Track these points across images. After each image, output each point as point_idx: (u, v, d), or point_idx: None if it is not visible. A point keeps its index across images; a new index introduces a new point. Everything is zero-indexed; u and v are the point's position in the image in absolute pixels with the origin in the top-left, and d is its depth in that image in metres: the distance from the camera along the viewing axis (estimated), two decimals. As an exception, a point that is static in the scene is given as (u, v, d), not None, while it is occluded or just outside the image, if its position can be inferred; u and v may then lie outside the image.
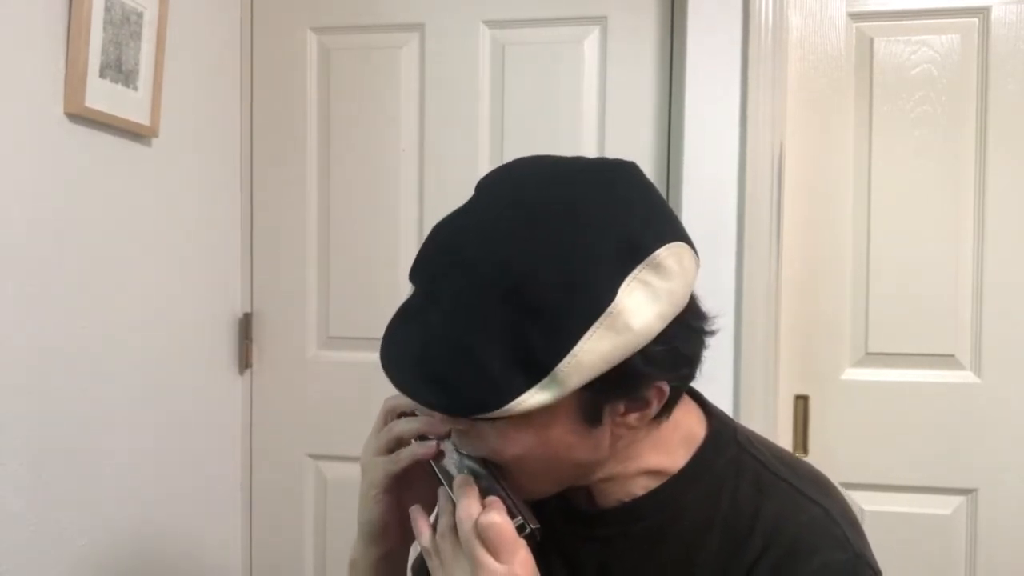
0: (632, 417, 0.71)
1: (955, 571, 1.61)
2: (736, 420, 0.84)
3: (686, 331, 0.70)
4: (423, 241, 0.74)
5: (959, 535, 1.62)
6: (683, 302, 0.69)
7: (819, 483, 0.78)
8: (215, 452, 1.77)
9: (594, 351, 0.64)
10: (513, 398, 0.64)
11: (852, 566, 0.72)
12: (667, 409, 0.73)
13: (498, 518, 0.68)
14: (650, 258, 0.66)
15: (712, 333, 0.73)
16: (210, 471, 1.75)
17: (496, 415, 0.65)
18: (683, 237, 0.70)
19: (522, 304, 0.64)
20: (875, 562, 0.74)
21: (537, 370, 0.64)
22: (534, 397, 0.64)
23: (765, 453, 0.79)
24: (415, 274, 0.73)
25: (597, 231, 0.66)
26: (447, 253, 0.70)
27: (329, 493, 1.84)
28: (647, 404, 0.70)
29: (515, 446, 0.70)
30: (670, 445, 0.77)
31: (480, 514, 0.68)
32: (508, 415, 0.65)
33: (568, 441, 0.70)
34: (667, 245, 0.67)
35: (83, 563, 1.37)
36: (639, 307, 0.65)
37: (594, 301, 0.64)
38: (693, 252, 0.70)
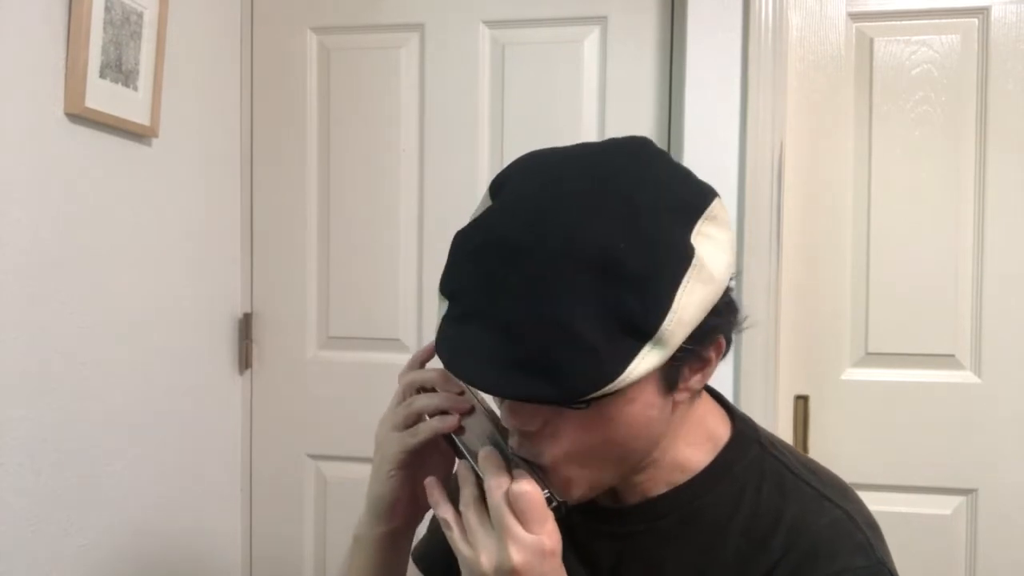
0: (695, 379, 0.71)
1: (955, 571, 1.61)
2: None
3: (731, 280, 0.71)
4: (451, 248, 0.70)
5: (959, 535, 1.62)
6: (735, 251, 0.70)
7: (840, 488, 0.78)
8: (215, 452, 1.77)
9: (691, 304, 0.63)
10: (625, 367, 0.61)
11: (873, 573, 0.71)
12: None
13: (529, 487, 0.66)
14: (707, 211, 0.67)
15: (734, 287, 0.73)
16: (210, 471, 1.75)
17: (609, 390, 0.61)
18: (714, 190, 0.71)
19: (608, 271, 0.62)
20: (896, 570, 0.74)
21: (642, 333, 0.62)
22: (645, 361, 0.62)
23: (788, 456, 0.79)
24: (453, 280, 0.68)
25: (654, 193, 0.66)
26: (500, 247, 0.65)
27: (329, 493, 1.84)
28: (709, 362, 0.71)
29: (594, 435, 0.68)
30: (698, 440, 0.77)
31: (511, 483, 0.66)
32: (619, 388, 0.62)
33: (649, 415, 0.69)
34: (715, 199, 0.69)
35: (83, 563, 1.37)
36: (713, 256, 0.65)
37: (678, 256, 0.64)
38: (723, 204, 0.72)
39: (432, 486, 0.73)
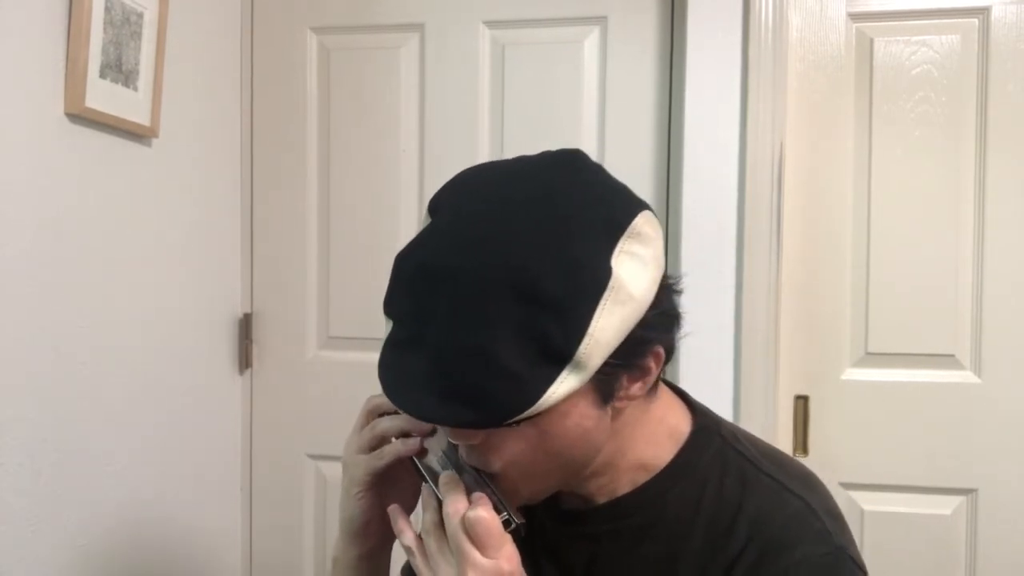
0: (636, 387, 0.72)
1: (955, 571, 1.61)
2: (736, 420, 0.84)
3: (669, 293, 0.73)
4: (392, 270, 0.73)
5: (959, 535, 1.61)
6: (663, 265, 0.71)
7: (803, 478, 0.79)
8: (215, 452, 1.77)
9: (607, 327, 0.65)
10: (543, 392, 0.64)
11: (833, 560, 0.72)
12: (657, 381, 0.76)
13: (485, 513, 0.68)
14: (630, 228, 0.68)
15: (681, 292, 0.75)
16: (210, 471, 1.75)
17: (529, 414, 0.64)
18: (646, 205, 0.72)
19: (527, 297, 0.64)
20: (859, 556, 0.75)
21: (560, 358, 0.64)
22: (563, 385, 0.64)
23: (749, 448, 0.80)
24: (393, 304, 0.72)
25: (577, 213, 0.68)
26: (430, 272, 0.68)
27: (329, 493, 1.84)
28: (648, 371, 0.72)
29: (534, 447, 0.70)
30: (658, 438, 0.79)
31: (467, 509, 0.69)
32: (540, 411, 0.65)
33: (584, 427, 0.70)
34: (640, 214, 0.70)
35: (83, 563, 1.37)
36: (634, 276, 0.67)
37: (595, 279, 0.65)
38: (656, 216, 0.73)
39: (395, 513, 0.76)
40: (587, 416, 0.70)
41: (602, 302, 0.64)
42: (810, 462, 1.51)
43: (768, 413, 1.60)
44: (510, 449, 0.70)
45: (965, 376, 1.61)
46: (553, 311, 0.64)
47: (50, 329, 1.28)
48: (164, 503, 1.58)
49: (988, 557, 1.60)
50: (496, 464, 0.72)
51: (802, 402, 1.66)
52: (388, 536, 0.83)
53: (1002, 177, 1.59)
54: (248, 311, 1.85)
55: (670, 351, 0.73)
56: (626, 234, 0.68)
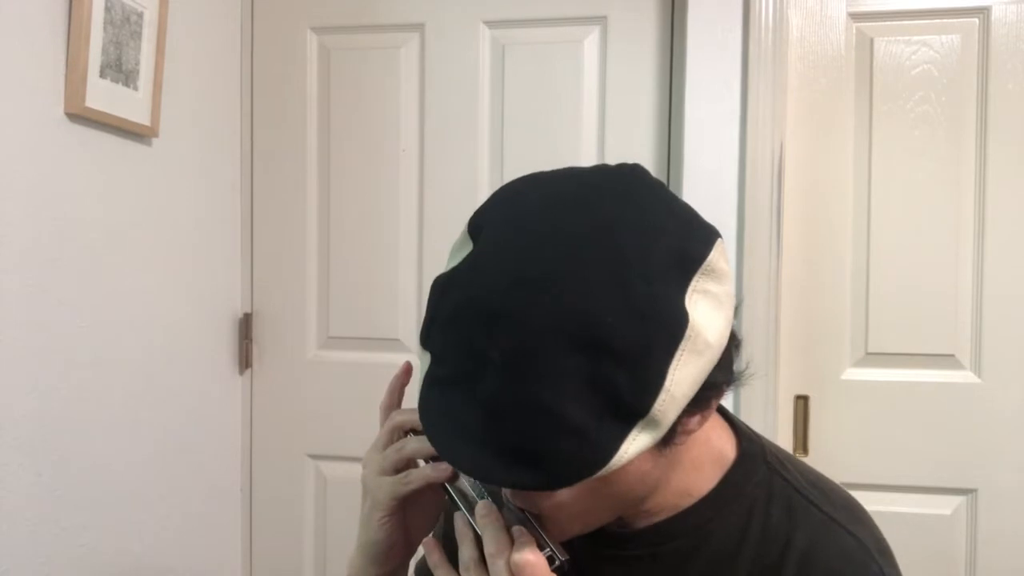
0: (694, 422, 0.66)
1: (955, 571, 1.61)
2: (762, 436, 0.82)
3: (732, 328, 0.66)
4: (430, 299, 0.65)
5: (959, 535, 1.62)
6: (735, 301, 0.65)
7: (852, 510, 0.76)
8: (215, 452, 1.77)
9: (684, 380, 0.59)
10: (614, 452, 0.57)
11: None
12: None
13: (532, 557, 0.63)
14: (704, 265, 0.61)
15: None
16: (210, 471, 1.75)
17: (599, 475, 0.58)
18: (717, 233, 0.65)
19: (594, 348, 0.57)
20: None
21: (632, 414, 0.58)
22: (635, 443, 0.58)
23: (796, 476, 0.77)
24: (433, 339, 0.64)
25: (644, 250, 0.60)
26: (480, 311, 0.60)
27: (329, 493, 1.84)
28: (708, 407, 0.66)
29: (590, 494, 0.64)
30: (703, 463, 0.74)
31: (512, 550, 0.64)
32: (611, 471, 0.58)
33: (643, 470, 0.66)
34: (713, 245, 0.62)
35: (83, 563, 1.37)
36: (709, 320, 0.60)
37: (669, 325, 0.58)
38: (723, 244, 0.66)
39: (431, 548, 0.71)
40: (647, 460, 0.65)
41: (679, 353, 0.58)
42: (810, 462, 1.51)
43: (768, 413, 1.60)
44: (564, 498, 0.65)
45: (965, 376, 1.61)
46: (625, 363, 0.57)
47: (50, 329, 1.28)
48: (164, 503, 1.58)
49: (988, 557, 1.60)
50: (544, 507, 0.67)
51: (802, 402, 1.66)
52: (408, 556, 0.80)
53: (1002, 177, 1.59)
54: (248, 311, 1.85)
55: (730, 385, 0.69)
56: (700, 271, 0.60)
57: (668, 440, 0.63)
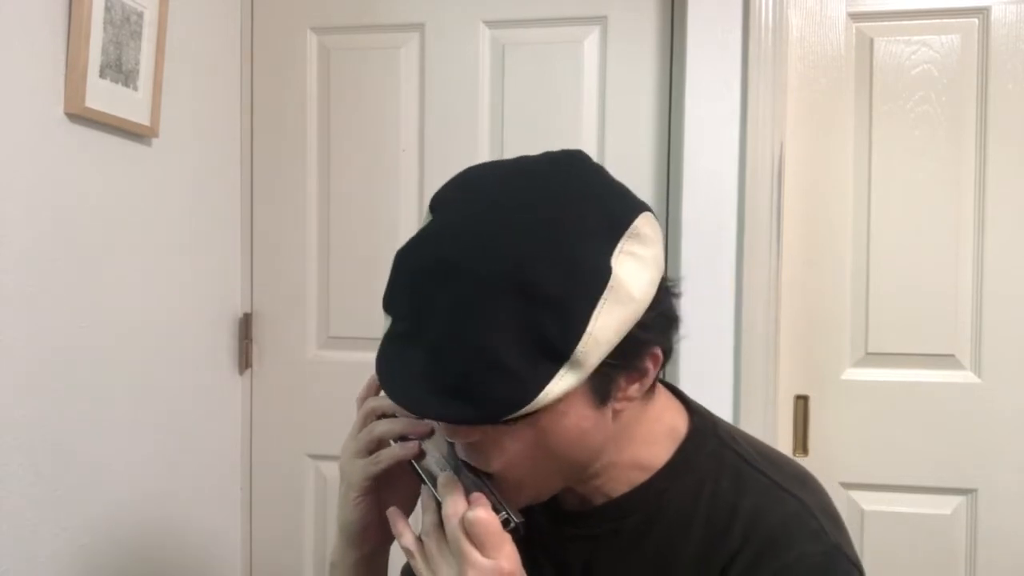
0: (633, 388, 0.72)
1: (955, 571, 1.61)
2: (736, 420, 0.85)
3: (668, 294, 0.73)
4: (392, 268, 0.73)
5: (959, 535, 1.61)
6: (663, 266, 0.72)
7: (798, 477, 0.80)
8: (215, 452, 1.77)
9: (606, 326, 0.65)
10: (541, 389, 0.64)
11: (829, 558, 0.73)
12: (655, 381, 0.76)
13: (484, 513, 0.69)
14: (630, 229, 0.69)
15: (680, 295, 0.75)
16: (210, 471, 1.75)
17: (526, 411, 0.65)
18: (646, 206, 0.73)
19: (528, 295, 0.64)
20: (855, 555, 0.75)
21: (558, 355, 0.64)
22: (560, 383, 0.65)
23: (745, 447, 0.80)
24: (392, 301, 0.72)
25: (579, 212, 0.68)
26: (430, 269, 0.68)
27: (329, 493, 1.84)
28: (645, 373, 0.72)
29: (532, 447, 0.70)
30: (655, 438, 0.79)
31: (466, 510, 0.69)
32: (537, 408, 0.65)
33: (582, 427, 0.71)
34: (640, 215, 0.70)
35: (83, 563, 1.37)
36: (633, 276, 0.67)
37: (595, 278, 0.65)
38: (656, 218, 0.74)
39: (395, 515, 0.76)
40: (585, 416, 0.70)
41: (601, 301, 0.65)
42: (810, 462, 1.51)
43: (768, 413, 1.60)
44: (508, 449, 0.71)
45: (965, 376, 1.61)
46: (552, 309, 0.64)
47: (50, 329, 1.28)
48: (164, 503, 1.58)
49: (988, 557, 1.60)
50: (494, 464, 0.72)
51: (802, 402, 1.66)
52: (387, 539, 0.83)
53: (1002, 177, 1.59)
54: (248, 311, 1.85)
55: (668, 353, 0.74)
56: (626, 234, 0.68)
57: (604, 397, 0.70)
